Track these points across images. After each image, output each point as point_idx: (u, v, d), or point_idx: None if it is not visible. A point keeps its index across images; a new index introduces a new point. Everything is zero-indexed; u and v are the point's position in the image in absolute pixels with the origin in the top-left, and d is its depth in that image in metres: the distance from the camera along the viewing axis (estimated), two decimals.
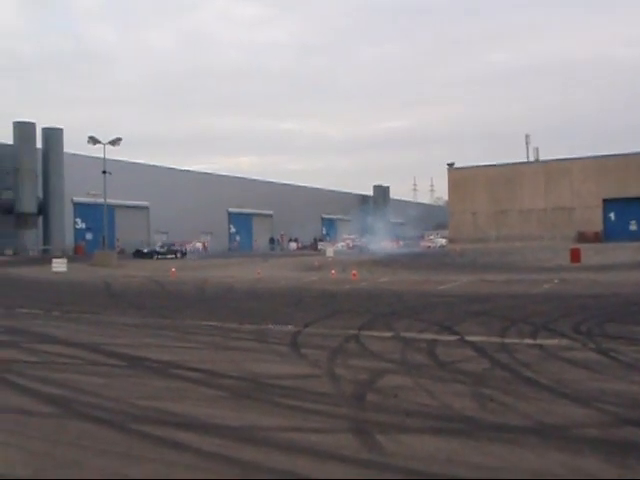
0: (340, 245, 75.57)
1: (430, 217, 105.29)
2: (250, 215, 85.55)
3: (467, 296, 16.73)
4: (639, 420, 5.39)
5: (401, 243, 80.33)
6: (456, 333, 10.20)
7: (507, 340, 9.42)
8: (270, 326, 11.51)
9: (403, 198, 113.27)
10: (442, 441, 5.03)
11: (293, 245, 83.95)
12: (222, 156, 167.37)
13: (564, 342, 9.20)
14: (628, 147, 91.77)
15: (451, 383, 6.90)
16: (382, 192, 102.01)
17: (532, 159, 73.13)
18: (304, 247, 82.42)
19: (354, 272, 26.48)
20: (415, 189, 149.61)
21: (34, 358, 8.71)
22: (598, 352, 8.36)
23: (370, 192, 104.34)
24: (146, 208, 70.80)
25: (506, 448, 4.87)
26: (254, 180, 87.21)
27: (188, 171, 78.89)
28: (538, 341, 9.30)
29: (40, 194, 59.45)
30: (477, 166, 70.51)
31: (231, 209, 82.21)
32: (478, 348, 8.83)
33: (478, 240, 63.43)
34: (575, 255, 32.13)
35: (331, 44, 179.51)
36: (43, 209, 59.35)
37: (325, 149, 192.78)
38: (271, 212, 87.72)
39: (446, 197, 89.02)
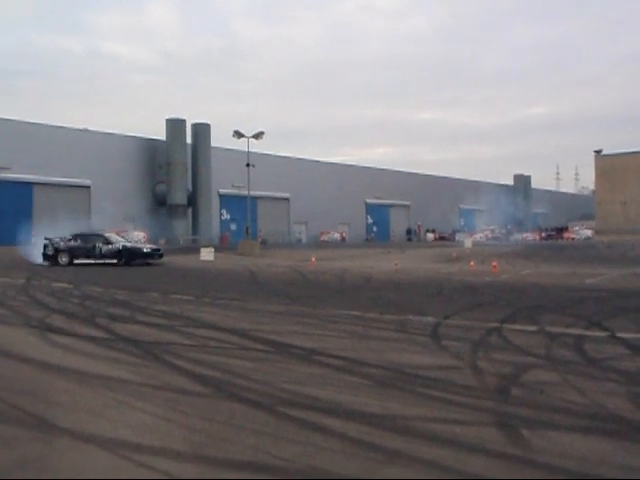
0: (479, 236, 73.95)
1: (575, 207, 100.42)
2: (387, 206, 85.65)
3: (617, 290, 15.85)
4: None
5: (543, 234, 77.27)
6: (606, 329, 9.72)
7: None
8: (410, 317, 11.53)
9: (546, 187, 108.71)
10: (593, 440, 4.85)
11: (430, 236, 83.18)
12: (359, 147, 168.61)
13: None
14: None
15: (602, 381, 6.61)
16: (523, 181, 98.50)
17: None
18: (442, 238, 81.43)
19: (494, 264, 25.83)
20: (558, 178, 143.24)
21: (189, 341, 9.27)
22: None
23: (511, 182, 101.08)
24: (287, 199, 72.86)
25: None
26: (391, 171, 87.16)
27: (327, 163, 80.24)
28: None
29: (189, 187, 62.80)
30: (628, 153, 66.42)
31: (368, 200, 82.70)
32: (631, 346, 8.38)
33: (628, 231, 59.73)
34: None
35: (472, 30, 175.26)
36: (192, 201, 62.72)
37: (464, 138, 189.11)
38: (408, 203, 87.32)
39: (592, 186, 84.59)
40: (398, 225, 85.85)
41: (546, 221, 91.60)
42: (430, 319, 11.11)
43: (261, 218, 66.98)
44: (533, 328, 10.07)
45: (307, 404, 5.87)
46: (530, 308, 12.60)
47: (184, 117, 61.77)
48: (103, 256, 29.09)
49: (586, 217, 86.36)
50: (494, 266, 25.18)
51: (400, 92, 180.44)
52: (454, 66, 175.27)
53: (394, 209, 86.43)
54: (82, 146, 55.96)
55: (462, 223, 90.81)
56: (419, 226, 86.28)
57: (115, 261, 28.94)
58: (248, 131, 46.46)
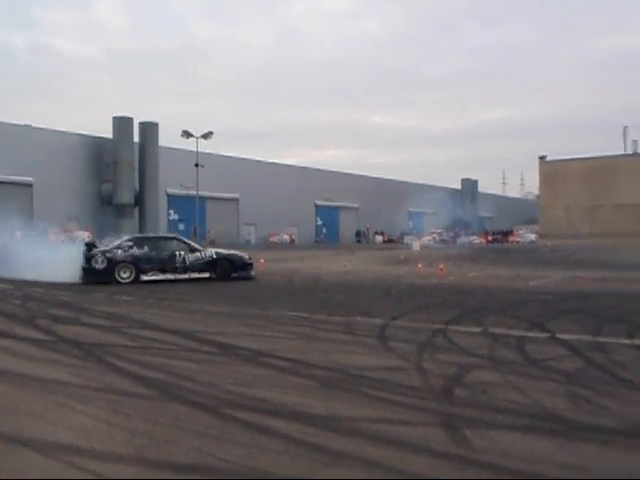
0: (427, 239, 74.89)
1: (520, 211, 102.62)
2: (337, 208, 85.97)
3: (559, 293, 16.26)
4: None
5: (490, 237, 78.75)
6: (548, 330, 9.95)
7: (602, 339, 9.11)
8: (358, 318, 11.58)
9: (492, 192, 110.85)
10: (533, 439, 4.95)
11: (379, 238, 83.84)
12: (310, 149, 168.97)
13: None
14: None
15: (543, 381, 6.76)
16: (470, 185, 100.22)
17: (630, 152, 70.09)
18: (390, 240, 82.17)
19: (441, 266, 26.20)
20: (504, 183, 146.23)
21: (132, 343, 9.13)
22: None
23: (459, 185, 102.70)
24: (236, 200, 72.41)
25: (599, 450, 4.75)
26: (341, 173, 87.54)
27: (277, 164, 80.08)
28: (636, 341, 8.95)
29: (137, 186, 61.85)
30: (570, 159, 68.24)
31: (318, 202, 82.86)
32: (571, 347, 8.59)
33: (570, 236, 61.40)
34: None
35: (424, 33, 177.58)
36: (139, 200, 61.76)
37: (414, 142, 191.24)
38: (358, 205, 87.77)
39: (536, 191, 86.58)
40: (347, 227, 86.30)
41: (492, 225, 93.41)
42: (377, 321, 11.19)
43: (210, 219, 66.47)
44: (477, 329, 10.24)
45: (253, 406, 5.83)
46: (475, 310, 12.81)
47: (132, 116, 60.87)
48: (187, 269, 20.88)
49: (531, 221, 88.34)
50: (441, 268, 25.54)
51: (351, 95, 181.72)
52: (405, 69, 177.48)
53: (343, 211, 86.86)
54: (24, 143, 54.52)
55: (411, 226, 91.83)
56: (368, 228, 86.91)
57: (207, 275, 21.04)
58: (198, 132, 46.05)
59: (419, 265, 29.38)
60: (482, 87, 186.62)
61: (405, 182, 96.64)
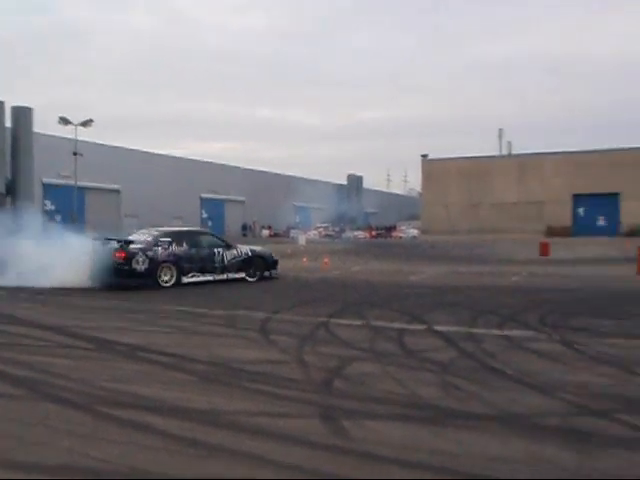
0: (313, 233, 75.61)
1: (403, 208, 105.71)
2: (223, 201, 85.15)
3: (438, 287, 16.89)
4: (599, 410, 5.53)
5: (374, 233, 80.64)
6: (425, 322, 10.31)
7: (475, 330, 9.55)
8: (240, 312, 11.52)
9: (377, 188, 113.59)
10: (408, 427, 5.11)
11: (265, 232, 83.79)
12: (197, 141, 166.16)
13: (530, 333, 9.36)
14: (597, 144, 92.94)
15: (419, 371, 6.99)
16: (355, 181, 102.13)
17: (505, 153, 73.82)
18: (276, 234, 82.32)
19: (326, 260, 26.54)
20: (389, 180, 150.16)
21: (1, 339, 8.63)
22: (562, 344, 8.53)
23: (344, 181, 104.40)
24: (117, 191, 70.12)
25: (470, 435, 4.96)
26: (228, 166, 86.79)
27: (161, 155, 78.14)
28: (505, 332, 9.44)
29: (9, 174, 58.49)
30: (450, 158, 70.99)
31: (203, 194, 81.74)
32: (446, 338, 8.94)
33: (450, 232, 63.93)
34: (544, 249, 32.57)
35: (310, 32, 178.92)
36: (11, 189, 58.42)
37: (301, 137, 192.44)
38: (244, 198, 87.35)
39: (419, 188, 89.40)
40: (233, 220, 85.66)
41: (377, 220, 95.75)
42: (260, 314, 11.18)
43: (89, 210, 63.98)
44: (359, 322, 10.44)
45: (130, 402, 5.67)
46: (358, 303, 13.07)
47: (3, 99, 57.48)
48: (225, 268, 18.32)
49: (413, 217, 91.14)
50: (325, 262, 25.88)
51: (239, 88, 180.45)
52: (293, 65, 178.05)
53: (229, 204, 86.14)
54: None
55: (297, 220, 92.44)
56: (254, 222, 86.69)
57: (243, 275, 18.61)
58: (78, 119, 44.18)
59: (304, 259, 29.64)
60: (367, 86, 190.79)
61: (292, 176, 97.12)
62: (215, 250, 18.11)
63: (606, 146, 62.19)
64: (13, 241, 15.99)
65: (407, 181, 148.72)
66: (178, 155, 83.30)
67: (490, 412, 5.51)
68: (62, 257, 16.08)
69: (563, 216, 62.78)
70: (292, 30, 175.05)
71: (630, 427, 5.09)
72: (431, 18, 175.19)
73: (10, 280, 15.82)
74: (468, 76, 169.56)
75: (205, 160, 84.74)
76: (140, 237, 17.70)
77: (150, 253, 16.71)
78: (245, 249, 19.01)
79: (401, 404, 5.74)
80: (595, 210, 61.98)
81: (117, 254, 16.24)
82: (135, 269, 16.31)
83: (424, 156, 73.84)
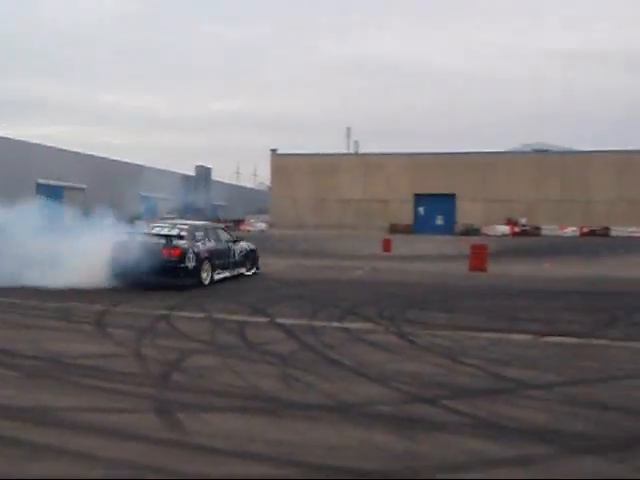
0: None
1: (253, 201, 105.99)
2: (61, 188, 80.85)
3: (284, 280, 17.04)
4: (428, 398, 5.82)
5: (223, 225, 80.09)
6: (268, 315, 10.36)
7: (316, 323, 9.73)
8: (75, 304, 10.97)
9: (227, 180, 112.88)
10: (245, 419, 5.10)
11: None
12: (34, 124, 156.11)
13: (368, 326, 9.68)
14: (437, 147, 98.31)
15: (259, 364, 7.01)
16: (204, 173, 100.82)
17: (352, 151, 76.09)
18: None
19: None
20: (238, 173, 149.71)
21: None
22: (398, 336, 8.91)
23: (192, 172, 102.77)
24: None
25: (307, 425, 5.05)
26: (69, 151, 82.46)
27: None
28: (345, 324, 9.70)
29: None
30: (299, 154, 71.96)
31: (40, 180, 77.15)
32: (288, 330, 9.04)
33: (298, 226, 64.86)
34: (386, 245, 33.91)
35: (160, 18, 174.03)
36: None
37: (147, 125, 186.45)
38: (85, 186, 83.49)
39: (269, 182, 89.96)
40: (74, 209, 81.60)
41: (226, 212, 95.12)
42: (98, 307, 10.71)
43: None
44: (201, 315, 10.31)
45: None
46: (201, 296, 12.87)
47: None
48: (236, 264, 16.99)
49: (262, 211, 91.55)
50: None
51: (86, 72, 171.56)
52: (140, 52, 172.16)
53: (69, 192, 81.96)
54: None
55: (143, 210, 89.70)
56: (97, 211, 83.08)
57: (243, 270, 17.39)
58: None
59: None
60: (219, 77, 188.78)
61: (139, 165, 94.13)
62: (229, 245, 16.81)
63: (445, 150, 65.93)
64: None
65: (257, 175, 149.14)
66: (12, 137, 77.87)
67: (328, 402, 5.63)
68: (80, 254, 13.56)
69: (405, 214, 65.76)
70: (141, 15, 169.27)
71: (454, 412, 5.40)
72: (289, 15, 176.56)
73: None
74: (324, 75, 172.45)
75: (44, 144, 80.00)
76: (171, 230, 15.42)
77: (195, 249, 14.82)
78: (246, 244, 17.87)
79: (240, 396, 5.73)
80: (434, 209, 65.46)
81: (169, 251, 14.15)
82: (187, 267, 14.36)
83: (273, 150, 74.37)
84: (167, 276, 13.97)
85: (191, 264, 14.42)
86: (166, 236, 14.73)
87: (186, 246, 14.57)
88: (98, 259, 13.64)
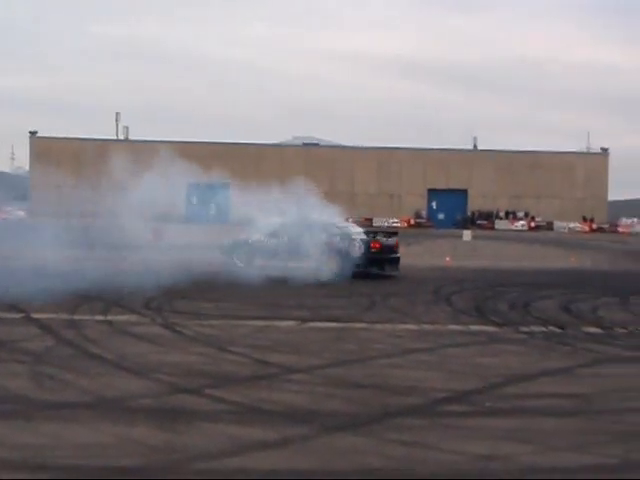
0: None
1: (9, 187, 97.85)
2: None
3: (42, 272, 15.85)
4: (190, 388, 5.78)
5: None
6: (23, 311, 9.57)
7: (77, 317, 9.20)
8: None
9: None
10: None
11: None
12: None
13: (134, 318, 9.38)
14: (211, 136, 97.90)
15: (9, 363, 6.47)
16: None
17: (122, 137, 73.39)
18: None
19: None
20: None
21: None
22: (164, 326, 8.74)
23: None
24: None
25: (61, 425, 4.77)
26: None
27: None
28: (109, 317, 9.30)
29: None
30: (64, 138, 67.76)
31: None
32: (44, 325, 8.44)
33: (63, 214, 61.13)
34: (157, 234, 33.15)
35: None
36: None
37: None
38: None
39: (27, 167, 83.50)
40: None
41: None
42: None
43: None
44: None
45: None
46: None
47: None
48: None
49: (21, 198, 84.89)
50: None
51: None
52: None
53: None
54: None
55: None
56: None
57: None
58: None
59: None
60: None
61: None
62: None
63: (220, 140, 66.06)
64: None
65: (14, 158, 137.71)
66: None
67: (85, 400, 5.36)
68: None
69: (178, 203, 64.94)
70: None
71: (218, 401, 5.42)
72: None
73: None
74: (93, 57, 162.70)
75: None
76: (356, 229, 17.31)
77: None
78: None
79: None
80: (208, 198, 65.50)
81: (374, 245, 15.98)
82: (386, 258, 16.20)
83: (33, 133, 69.19)
84: (374, 267, 15.89)
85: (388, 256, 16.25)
86: (370, 233, 17.37)
87: (383, 242, 16.45)
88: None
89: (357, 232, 16.89)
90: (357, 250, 15.62)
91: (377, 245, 16.01)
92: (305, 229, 16.32)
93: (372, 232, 17.61)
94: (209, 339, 8.00)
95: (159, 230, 33.72)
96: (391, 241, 16.76)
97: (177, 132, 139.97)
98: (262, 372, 6.48)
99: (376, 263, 15.99)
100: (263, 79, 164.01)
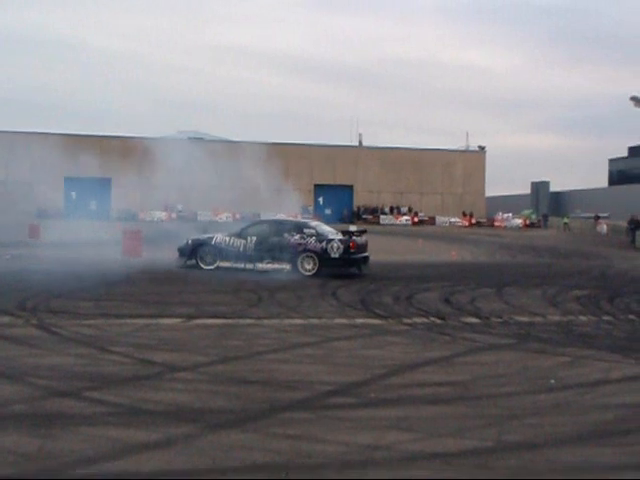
0: None
1: None
2: None
3: None
4: (67, 391, 5.51)
5: None
6: None
7: None
8: None
9: None
10: None
11: None
12: None
13: (6, 319, 8.84)
14: (92, 129, 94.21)
15: None
16: None
17: None
18: None
19: None
20: None
21: None
22: (40, 327, 8.29)
23: None
24: None
25: None
26: None
27: None
28: None
29: None
30: None
31: None
32: None
33: None
34: (34, 231, 31.53)
35: None
36: None
37: None
38: None
39: None
40: None
41: None
42: None
43: None
44: None
45: None
46: None
47: None
48: None
49: None
50: None
51: None
52: None
53: None
54: None
55: None
56: None
57: None
58: None
59: None
60: None
61: None
62: None
63: (99, 133, 63.73)
64: None
65: None
66: None
67: None
68: None
69: (56, 199, 61.96)
70: None
71: (97, 403, 5.20)
72: None
73: None
74: None
75: None
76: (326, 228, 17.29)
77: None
78: None
79: None
80: (88, 194, 62.82)
81: (352, 245, 16.06)
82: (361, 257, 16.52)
83: None
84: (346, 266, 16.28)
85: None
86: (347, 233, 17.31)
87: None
88: None
89: (332, 232, 16.95)
90: (336, 251, 15.64)
91: (354, 245, 16.01)
92: (277, 229, 16.27)
93: (347, 232, 17.62)
94: (88, 339, 7.67)
95: (36, 227, 32.20)
96: (364, 240, 16.96)
97: (57, 124, 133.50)
98: (145, 372, 6.28)
99: (354, 262, 16.17)
100: (147, 72, 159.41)
